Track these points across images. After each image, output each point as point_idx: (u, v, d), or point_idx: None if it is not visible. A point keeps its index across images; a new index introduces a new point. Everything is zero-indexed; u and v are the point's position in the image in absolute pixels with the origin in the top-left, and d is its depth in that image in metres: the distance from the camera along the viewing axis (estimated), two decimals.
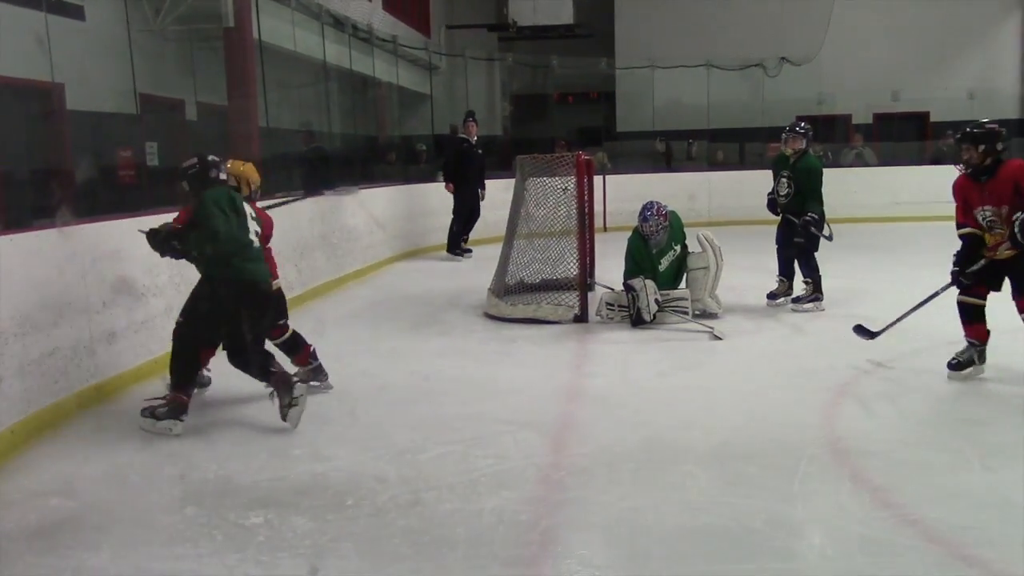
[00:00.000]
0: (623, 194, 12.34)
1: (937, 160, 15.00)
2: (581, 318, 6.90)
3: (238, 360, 4.59)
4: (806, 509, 3.45)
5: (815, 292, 7.11)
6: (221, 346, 4.65)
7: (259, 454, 4.17)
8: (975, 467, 3.81)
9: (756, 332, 6.51)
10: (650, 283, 6.63)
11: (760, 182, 11.87)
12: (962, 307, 5.23)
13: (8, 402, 4.24)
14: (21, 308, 4.38)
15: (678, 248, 6.95)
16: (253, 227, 4.56)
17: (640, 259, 6.82)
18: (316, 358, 5.16)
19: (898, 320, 5.45)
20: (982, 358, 5.15)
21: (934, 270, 9.14)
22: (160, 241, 4.49)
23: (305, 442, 4.31)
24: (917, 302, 5.43)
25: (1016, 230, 4.78)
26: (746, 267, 8.26)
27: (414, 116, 15.88)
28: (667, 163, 15.96)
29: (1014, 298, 5.01)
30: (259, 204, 5.06)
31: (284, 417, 4.42)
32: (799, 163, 7.06)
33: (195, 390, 5.05)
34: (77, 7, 7.68)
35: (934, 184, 13.93)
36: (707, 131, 16.38)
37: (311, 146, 11.26)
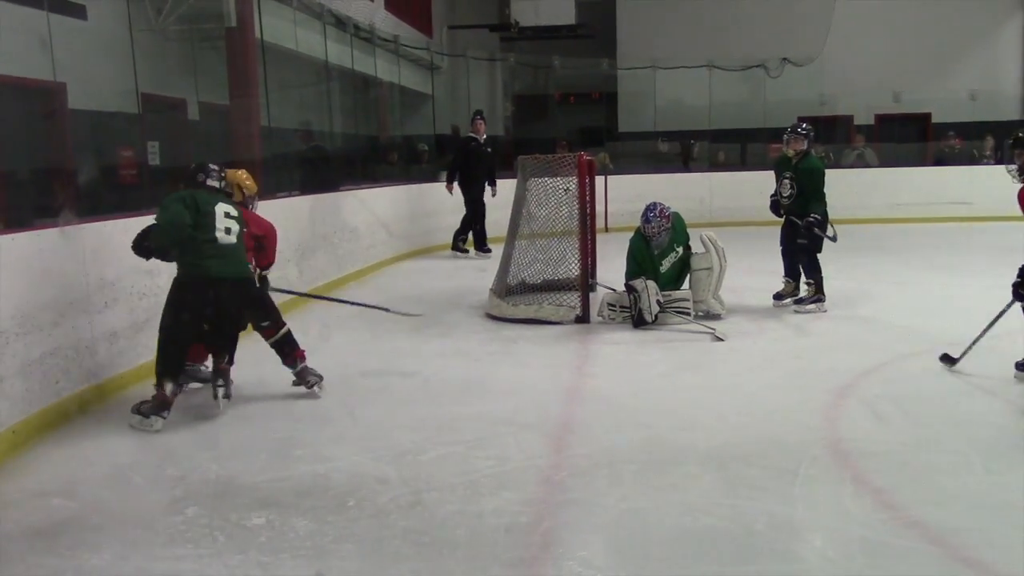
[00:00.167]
0: (624, 195, 12.36)
1: (939, 161, 15.03)
2: (583, 319, 6.90)
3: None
4: (807, 511, 3.45)
5: (817, 293, 7.11)
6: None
7: (260, 455, 4.17)
8: (977, 469, 3.81)
9: (758, 333, 6.51)
10: (651, 284, 6.63)
11: (762, 183, 11.89)
12: None
13: (9, 402, 4.24)
14: (22, 307, 4.38)
15: (680, 250, 6.94)
16: (223, 225, 4.68)
17: (641, 260, 6.82)
18: (303, 360, 5.15)
19: (975, 342, 5.33)
20: None
21: (936, 271, 9.22)
22: (135, 243, 4.76)
23: (306, 443, 4.31)
24: (990, 316, 5.26)
25: None
26: (747, 268, 8.26)
27: (416, 116, 15.86)
28: (684, 163, 15.90)
29: None
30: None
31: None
32: (801, 164, 7.06)
33: (196, 385, 5.08)
34: (79, 6, 7.67)
35: (935, 185, 14.07)
36: (709, 132, 16.37)
37: (310, 145, 11.22)
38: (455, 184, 11.02)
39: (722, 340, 6.20)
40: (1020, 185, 4.91)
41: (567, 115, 18.56)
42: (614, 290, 7.09)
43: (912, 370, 5.43)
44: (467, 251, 11.12)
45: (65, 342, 4.72)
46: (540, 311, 6.99)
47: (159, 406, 4.56)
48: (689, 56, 16.31)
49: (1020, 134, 4.97)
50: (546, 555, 3.12)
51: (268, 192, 8.95)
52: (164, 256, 4.81)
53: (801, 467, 3.81)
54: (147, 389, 5.05)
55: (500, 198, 10.25)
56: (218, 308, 4.72)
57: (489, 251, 10.61)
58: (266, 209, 7.69)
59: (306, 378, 5.11)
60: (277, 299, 5.48)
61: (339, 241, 9.23)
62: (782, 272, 7.39)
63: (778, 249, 7.38)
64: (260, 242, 5.33)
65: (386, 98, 14.98)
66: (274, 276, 5.59)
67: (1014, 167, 4.97)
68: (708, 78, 16.52)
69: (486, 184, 10.97)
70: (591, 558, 3.09)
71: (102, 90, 7.96)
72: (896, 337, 6.23)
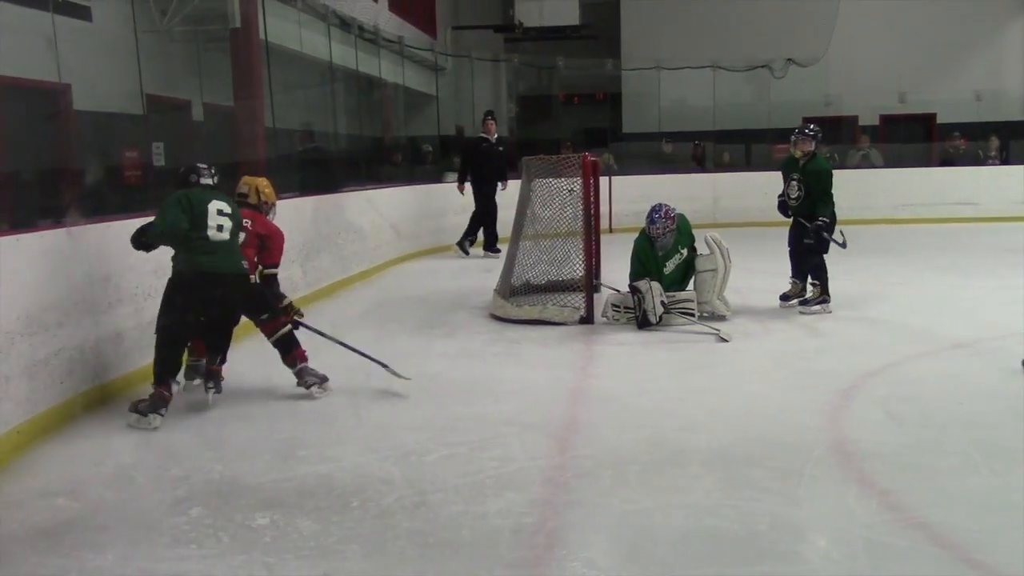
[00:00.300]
0: (629, 195, 12.35)
1: (944, 162, 15.00)
2: (587, 319, 6.89)
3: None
4: (812, 512, 3.45)
5: (823, 294, 7.10)
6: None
7: (264, 455, 4.17)
8: (982, 471, 3.80)
9: (762, 334, 6.50)
10: (656, 285, 6.62)
11: (766, 184, 11.89)
12: None
13: (14, 402, 4.25)
14: (27, 308, 4.39)
15: (685, 251, 6.93)
16: (215, 222, 4.74)
17: (646, 261, 6.81)
18: (303, 360, 5.17)
19: None
20: None
21: (942, 272, 9.21)
22: (134, 238, 4.87)
23: (310, 443, 4.31)
24: (995, 317, 5.18)
25: None
26: (752, 269, 8.26)
27: (420, 117, 15.87)
28: (700, 163, 15.87)
29: None
30: None
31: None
32: (808, 166, 7.05)
33: (198, 382, 5.08)
34: (84, 8, 7.68)
35: (941, 186, 14.05)
36: (713, 132, 16.36)
37: (308, 146, 11.16)
38: (466, 184, 11.06)
39: (727, 341, 6.19)
40: None
41: (571, 116, 18.56)
42: (618, 291, 7.08)
43: (917, 371, 5.43)
44: (468, 253, 11.12)
45: (70, 342, 4.73)
46: (544, 312, 6.98)
47: (157, 403, 4.58)
48: (693, 57, 16.30)
49: None
50: (550, 556, 3.12)
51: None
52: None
53: (805, 468, 3.80)
54: (150, 389, 5.08)
55: (507, 197, 10.27)
56: (212, 303, 4.79)
57: (499, 251, 10.61)
58: (285, 208, 7.72)
59: (304, 378, 5.11)
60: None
61: (344, 242, 9.24)
62: (787, 273, 7.38)
63: (782, 250, 7.37)
64: (264, 241, 5.36)
65: (390, 99, 14.99)
66: (278, 276, 5.59)
67: None
68: (712, 79, 16.51)
69: (497, 183, 10.99)
70: (595, 559, 3.09)
71: (107, 91, 7.98)
72: (901, 338, 6.22)
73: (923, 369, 5.47)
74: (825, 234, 6.96)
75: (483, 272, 9.25)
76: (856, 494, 3.60)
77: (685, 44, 16.83)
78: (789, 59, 16.76)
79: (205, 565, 3.11)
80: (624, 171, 14.52)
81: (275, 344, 5.15)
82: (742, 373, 5.51)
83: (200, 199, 4.77)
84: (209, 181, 4.93)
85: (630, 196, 12.19)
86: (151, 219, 4.85)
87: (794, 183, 7.11)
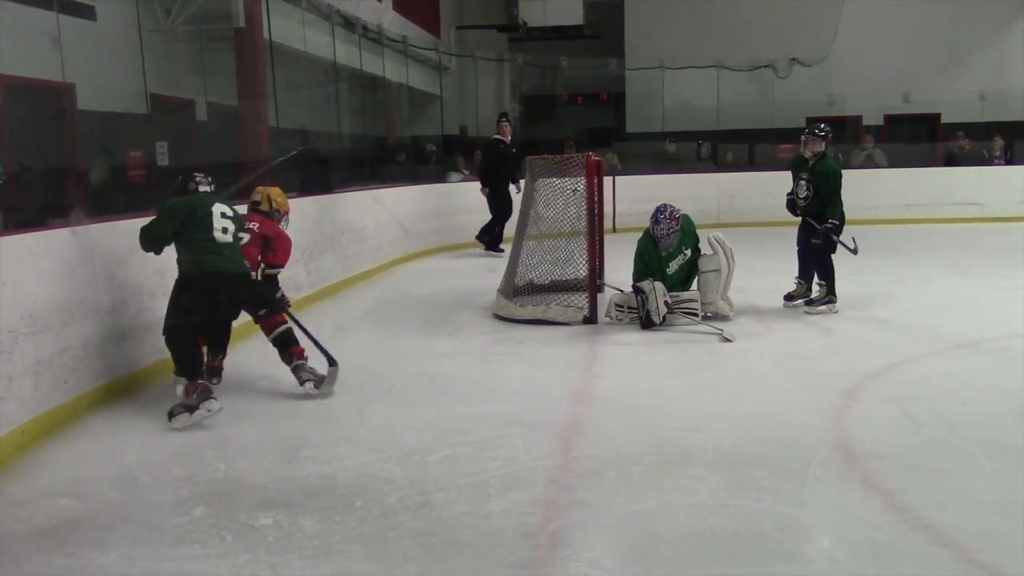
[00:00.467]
0: (632, 195, 12.34)
1: (949, 160, 14.97)
2: (590, 319, 6.89)
3: (172, 340, 4.85)
4: (816, 512, 3.44)
5: (829, 294, 7.09)
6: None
7: (268, 455, 4.17)
8: (986, 471, 3.79)
9: (766, 334, 6.49)
10: (659, 285, 6.62)
11: (769, 183, 11.87)
12: None
13: (18, 401, 4.25)
14: (32, 308, 4.40)
15: (688, 252, 6.92)
16: (220, 224, 4.83)
17: (649, 261, 6.80)
18: (300, 357, 5.19)
19: None
20: None
21: (946, 272, 9.19)
22: (142, 240, 4.94)
23: (314, 443, 4.32)
24: (1001, 317, 5.17)
25: None
26: (755, 269, 8.25)
27: (423, 116, 15.89)
28: (715, 162, 15.82)
29: None
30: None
31: (171, 413, 4.57)
32: (818, 166, 7.04)
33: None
34: (88, 7, 7.69)
35: (945, 186, 14.02)
36: (716, 132, 16.34)
37: (304, 148, 11.07)
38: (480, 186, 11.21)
39: (730, 341, 6.19)
40: None
41: (575, 115, 18.55)
42: (622, 291, 7.08)
43: (922, 371, 5.41)
44: (502, 250, 11.05)
45: (74, 342, 4.74)
46: (548, 312, 6.98)
47: (203, 393, 4.61)
48: (697, 56, 16.29)
49: None
50: (554, 556, 3.12)
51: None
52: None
53: (810, 469, 3.79)
54: (156, 390, 5.12)
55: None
56: (218, 302, 4.91)
57: (502, 251, 10.61)
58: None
59: (299, 374, 5.13)
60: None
61: (347, 242, 9.24)
62: (790, 272, 7.37)
63: (786, 249, 7.37)
64: (269, 242, 5.41)
65: (394, 98, 15.00)
66: (282, 276, 5.60)
67: None
68: (716, 78, 16.50)
69: (511, 184, 11.07)
70: (599, 559, 3.09)
71: (111, 90, 7.99)
72: (906, 338, 6.22)
73: (927, 369, 5.47)
74: (834, 237, 6.95)
75: (486, 272, 9.25)
76: (860, 494, 3.59)
77: (689, 44, 16.82)
78: (793, 59, 16.74)
79: (208, 565, 3.11)
80: (628, 171, 14.50)
81: (273, 341, 5.20)
82: (746, 373, 5.50)
83: (203, 203, 4.88)
84: (207, 188, 5.07)
85: (633, 196, 12.17)
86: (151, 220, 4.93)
87: (803, 183, 7.10)
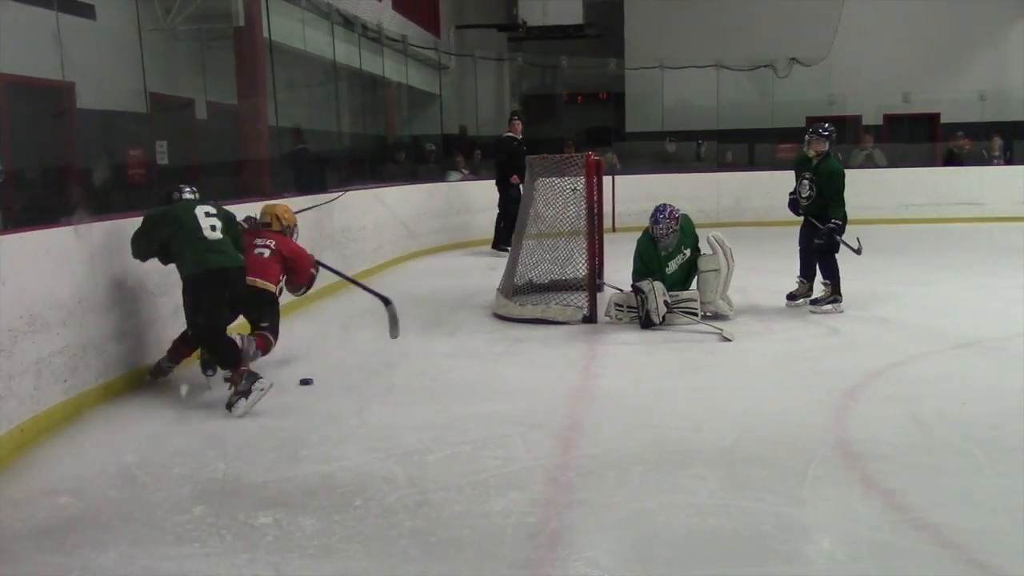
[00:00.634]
0: (632, 195, 12.34)
1: (949, 159, 14.97)
2: (590, 319, 6.89)
3: (205, 344, 5.08)
4: (816, 512, 3.44)
5: (834, 294, 7.08)
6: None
7: (267, 454, 4.17)
8: (986, 471, 3.79)
9: (766, 334, 6.49)
10: (658, 284, 6.62)
11: (769, 183, 11.87)
12: None
13: (18, 400, 4.25)
14: (31, 306, 4.39)
15: (688, 252, 6.92)
16: (206, 223, 5.01)
17: (648, 260, 6.80)
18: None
19: None
20: None
21: (946, 271, 9.19)
22: (139, 255, 5.13)
23: (313, 442, 4.31)
24: (1001, 316, 5.18)
25: None
26: (755, 268, 8.25)
27: (423, 116, 15.89)
28: (727, 162, 15.82)
29: None
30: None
31: (230, 405, 4.71)
32: (821, 166, 7.04)
33: (209, 372, 5.22)
34: (88, 6, 7.69)
35: (945, 186, 14.02)
36: (716, 132, 16.34)
37: (296, 147, 11.05)
38: (493, 182, 11.32)
39: (730, 340, 6.19)
40: None
41: (574, 115, 18.56)
42: (621, 290, 7.07)
43: (922, 371, 5.41)
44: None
45: (74, 341, 4.73)
46: (547, 311, 6.98)
47: (251, 378, 4.74)
48: (697, 56, 16.30)
49: None
50: (553, 555, 3.11)
51: (275, 192, 8.96)
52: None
53: (809, 468, 3.79)
54: (155, 389, 5.12)
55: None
56: (224, 296, 5.03)
57: (506, 250, 10.65)
58: None
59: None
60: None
61: (346, 241, 9.23)
62: (789, 271, 7.38)
63: (785, 249, 7.37)
64: (291, 264, 5.62)
65: (394, 98, 15.00)
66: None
67: None
68: (716, 78, 16.51)
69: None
70: (598, 559, 3.08)
71: (110, 89, 7.99)
72: (906, 338, 6.21)
73: (927, 369, 5.46)
74: (837, 237, 6.95)
75: (486, 271, 9.25)
76: (860, 494, 3.59)
77: (689, 43, 16.83)
78: (793, 58, 16.75)
79: (208, 564, 3.10)
80: (627, 170, 14.50)
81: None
82: (745, 373, 5.50)
83: (185, 208, 5.08)
84: (190, 196, 5.27)
85: (633, 195, 12.15)
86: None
87: (806, 182, 7.10)
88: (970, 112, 16.27)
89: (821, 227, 6.95)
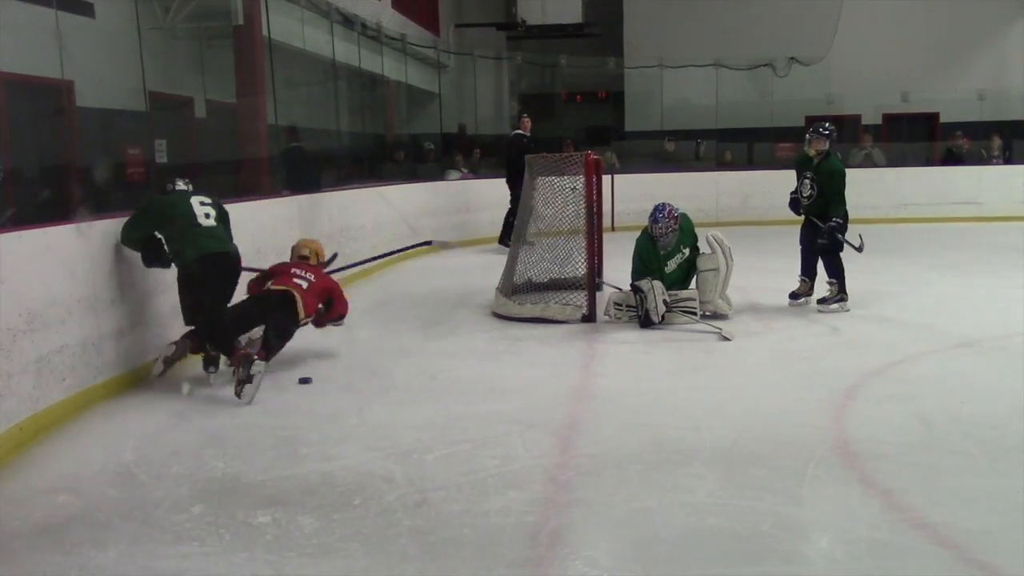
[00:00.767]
0: (631, 194, 12.35)
1: (949, 158, 14.97)
2: (589, 318, 6.89)
3: (201, 328, 5.13)
4: (815, 512, 3.44)
5: (840, 293, 7.08)
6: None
7: (266, 453, 4.17)
8: (985, 470, 3.79)
9: (765, 333, 6.49)
10: (658, 284, 6.62)
11: (767, 182, 11.86)
12: None
13: (17, 398, 4.25)
14: (30, 305, 4.39)
15: (687, 251, 6.92)
16: (201, 211, 5.17)
17: (648, 259, 6.80)
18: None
19: None
20: None
21: (945, 271, 9.19)
22: (146, 259, 5.23)
23: (312, 441, 4.31)
24: (1000, 316, 5.19)
25: None
26: (754, 267, 8.25)
27: (422, 114, 15.89)
28: (730, 162, 15.80)
29: None
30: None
31: (238, 393, 4.82)
32: (822, 165, 7.04)
33: (211, 369, 5.26)
34: (87, 4, 7.69)
35: (944, 185, 14.03)
36: (715, 131, 16.34)
37: (290, 145, 11.02)
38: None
39: (729, 340, 6.19)
40: None
41: (574, 114, 18.54)
42: (620, 289, 7.07)
43: (922, 371, 5.41)
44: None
45: (73, 339, 4.73)
46: (546, 310, 6.98)
47: (246, 362, 4.83)
48: (696, 55, 16.29)
49: None
50: (552, 555, 3.11)
51: (274, 191, 8.97)
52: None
53: (808, 468, 3.79)
54: (154, 388, 5.12)
55: (508, 197, 10.27)
56: (220, 281, 5.16)
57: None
58: (273, 207, 7.72)
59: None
60: None
61: (345, 240, 9.22)
62: (789, 271, 7.38)
63: (785, 248, 7.37)
64: (328, 295, 5.75)
65: (393, 96, 15.00)
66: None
67: None
68: (715, 77, 16.49)
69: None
70: (597, 558, 3.08)
71: (110, 88, 7.99)
72: (905, 337, 6.21)
73: (927, 368, 5.46)
74: (839, 235, 6.95)
75: (485, 270, 9.24)
76: (859, 494, 3.59)
77: (688, 42, 16.83)
78: (792, 58, 16.74)
79: (207, 563, 3.10)
80: (626, 169, 14.51)
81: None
82: (744, 372, 5.50)
83: (179, 199, 5.23)
84: (185, 188, 5.41)
85: (632, 195, 12.17)
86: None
87: (807, 181, 7.10)
88: (969, 111, 16.27)
89: (822, 226, 6.96)
